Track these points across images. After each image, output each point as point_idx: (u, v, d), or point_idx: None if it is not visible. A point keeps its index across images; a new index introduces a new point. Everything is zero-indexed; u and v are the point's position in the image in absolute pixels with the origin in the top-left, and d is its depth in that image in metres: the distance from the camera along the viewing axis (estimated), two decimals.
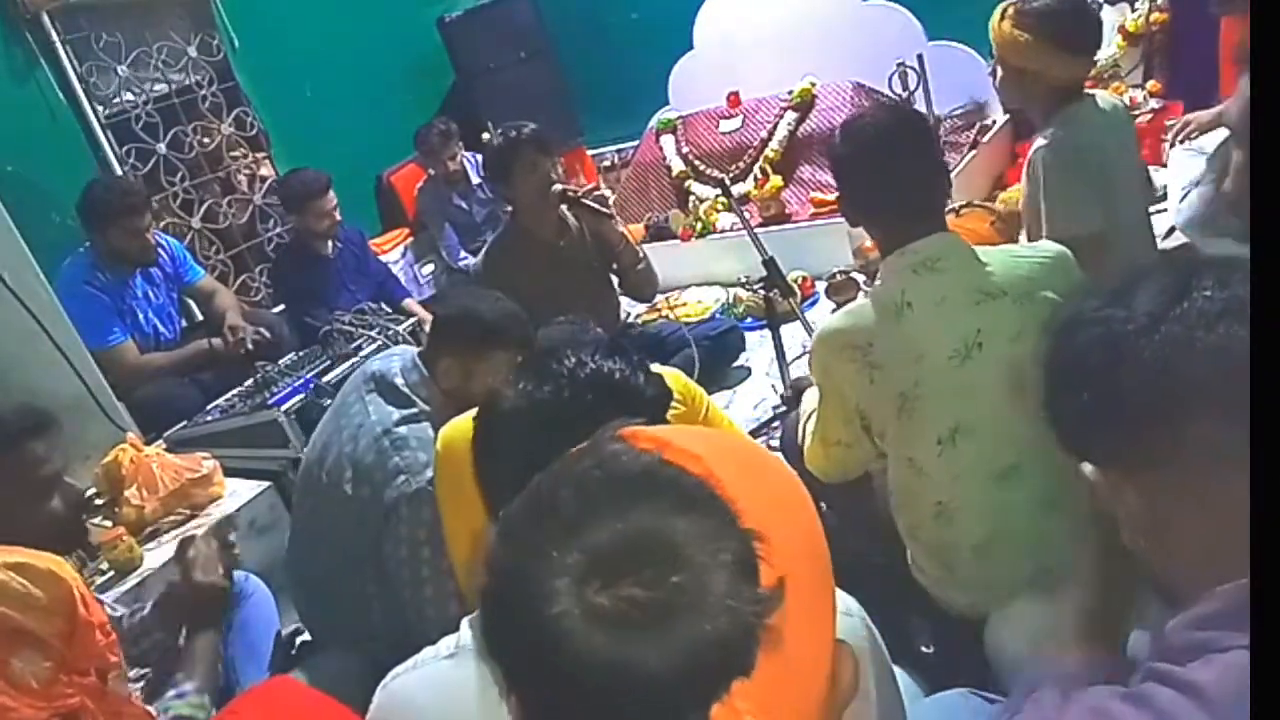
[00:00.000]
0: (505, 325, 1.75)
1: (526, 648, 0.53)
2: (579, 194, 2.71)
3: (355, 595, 1.80)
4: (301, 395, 2.53)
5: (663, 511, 0.53)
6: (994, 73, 2.10)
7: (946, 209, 1.60)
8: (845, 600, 0.88)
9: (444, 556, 1.63)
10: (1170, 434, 0.66)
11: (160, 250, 3.12)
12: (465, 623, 0.90)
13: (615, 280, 2.84)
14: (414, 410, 1.75)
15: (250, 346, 3.05)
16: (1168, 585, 0.73)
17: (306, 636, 1.98)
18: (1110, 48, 3.66)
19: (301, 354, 2.84)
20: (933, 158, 1.55)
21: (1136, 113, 3.18)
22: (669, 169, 3.79)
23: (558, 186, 2.66)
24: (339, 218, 3.42)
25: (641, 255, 2.76)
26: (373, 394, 1.79)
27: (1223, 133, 2.10)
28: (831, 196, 3.30)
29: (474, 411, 1.06)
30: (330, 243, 3.44)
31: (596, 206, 2.69)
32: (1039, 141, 1.95)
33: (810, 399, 1.66)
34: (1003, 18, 1.94)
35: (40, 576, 1.09)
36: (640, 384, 0.98)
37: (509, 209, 2.79)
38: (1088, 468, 0.73)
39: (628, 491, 0.54)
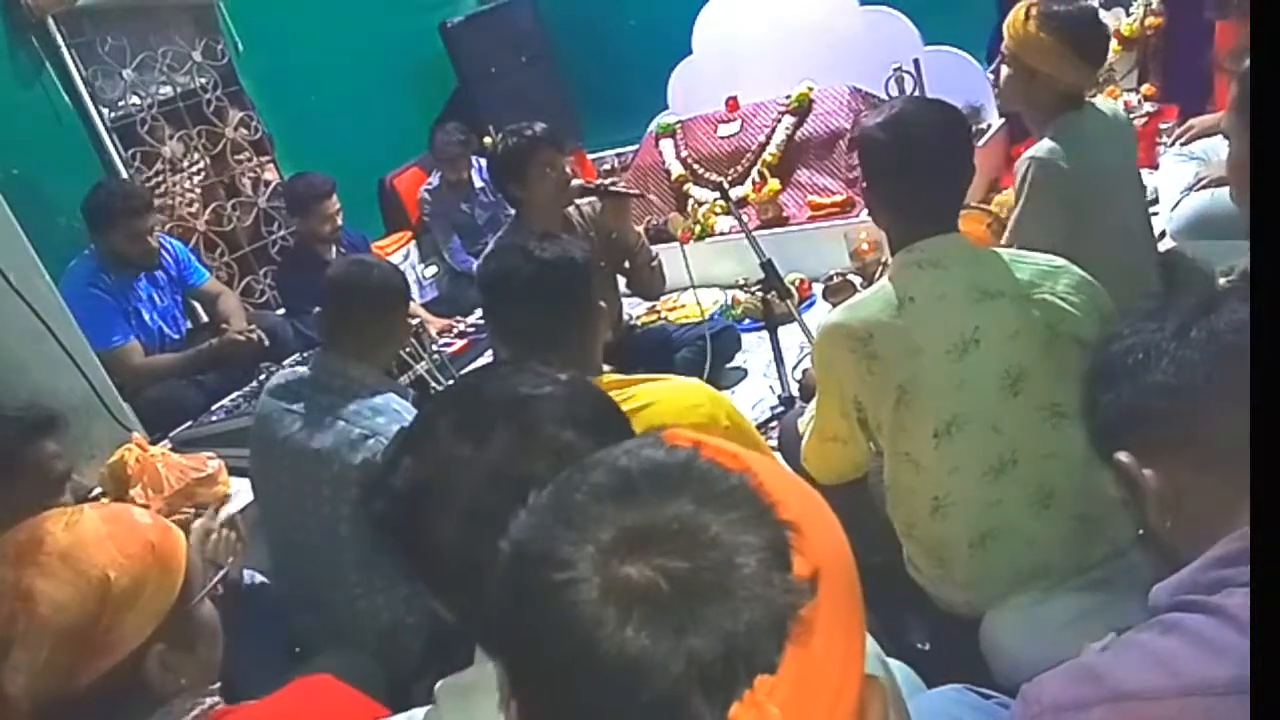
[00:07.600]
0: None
1: (532, 623, 0.49)
2: (605, 185, 2.67)
3: (339, 590, 1.83)
4: None
5: (699, 500, 0.51)
6: (996, 72, 2.11)
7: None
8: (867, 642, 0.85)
9: None
10: (1189, 423, 0.78)
11: (165, 253, 3.15)
12: None
13: (622, 280, 2.85)
14: (352, 393, 1.83)
15: (262, 337, 3.08)
16: (1186, 557, 0.80)
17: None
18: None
19: (304, 356, 2.85)
20: (969, 158, 1.55)
21: (1131, 116, 3.20)
22: (668, 173, 3.81)
23: (577, 181, 2.62)
24: (341, 222, 3.46)
25: (655, 253, 2.77)
26: (301, 395, 1.87)
27: (1220, 138, 2.11)
28: (828, 200, 3.33)
29: None
30: (333, 246, 3.47)
31: (625, 191, 2.65)
32: (1033, 149, 1.95)
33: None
34: (1026, 17, 1.94)
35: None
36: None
37: (512, 211, 2.79)
38: (1121, 456, 0.84)
39: (664, 479, 0.52)
